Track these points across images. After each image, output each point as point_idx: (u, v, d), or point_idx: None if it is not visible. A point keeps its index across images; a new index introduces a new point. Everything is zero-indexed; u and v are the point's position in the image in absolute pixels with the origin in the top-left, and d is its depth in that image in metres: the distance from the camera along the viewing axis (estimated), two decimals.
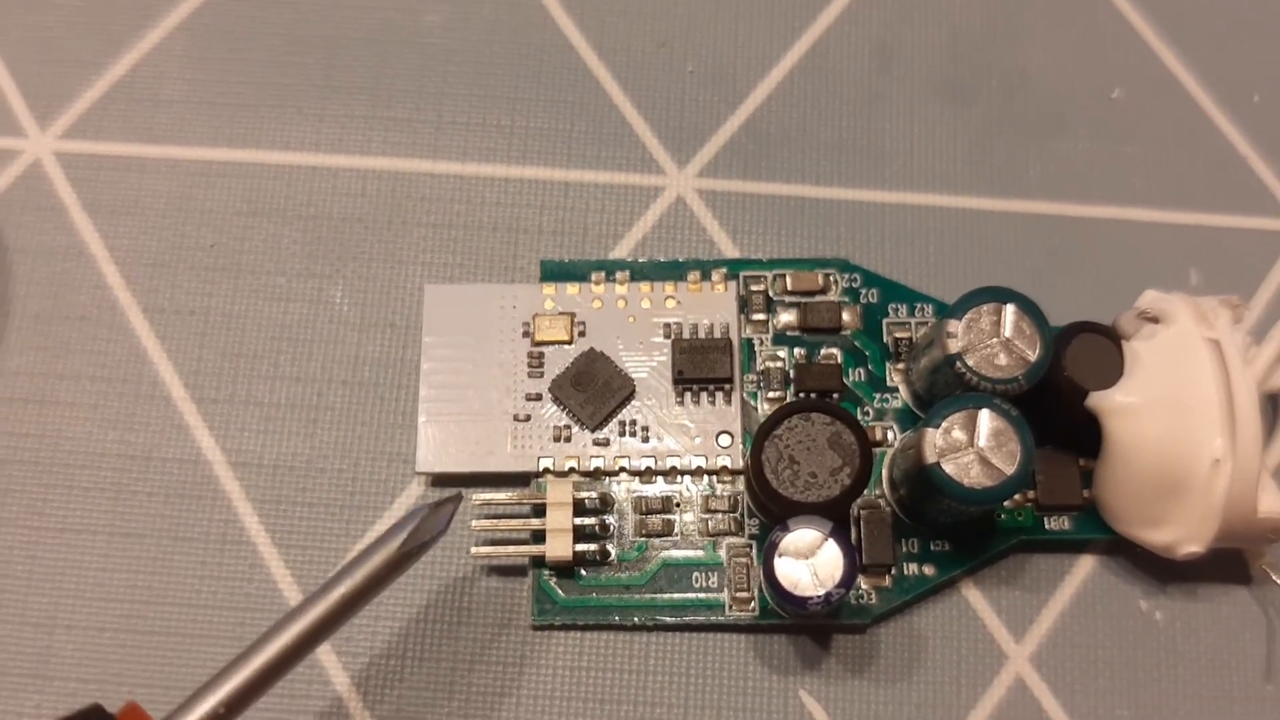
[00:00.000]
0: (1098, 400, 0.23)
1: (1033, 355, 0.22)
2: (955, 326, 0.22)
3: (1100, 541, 0.25)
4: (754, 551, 0.24)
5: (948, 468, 0.21)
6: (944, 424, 0.22)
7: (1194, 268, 0.27)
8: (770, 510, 0.22)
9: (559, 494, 0.24)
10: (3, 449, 0.25)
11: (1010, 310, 0.22)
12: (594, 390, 0.25)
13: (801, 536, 0.21)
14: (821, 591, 0.21)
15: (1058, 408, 0.23)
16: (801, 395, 0.25)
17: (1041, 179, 0.28)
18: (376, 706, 0.24)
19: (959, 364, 0.22)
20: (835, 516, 0.22)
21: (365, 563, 0.20)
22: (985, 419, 0.22)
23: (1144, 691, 0.24)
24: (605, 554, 0.24)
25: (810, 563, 0.21)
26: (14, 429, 0.25)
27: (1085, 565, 0.25)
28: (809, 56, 0.29)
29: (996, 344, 0.22)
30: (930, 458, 0.21)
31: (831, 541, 0.21)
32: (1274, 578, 0.24)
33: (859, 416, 0.25)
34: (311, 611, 0.20)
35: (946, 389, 0.23)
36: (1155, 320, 0.24)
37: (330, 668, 0.24)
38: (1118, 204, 0.28)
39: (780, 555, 0.21)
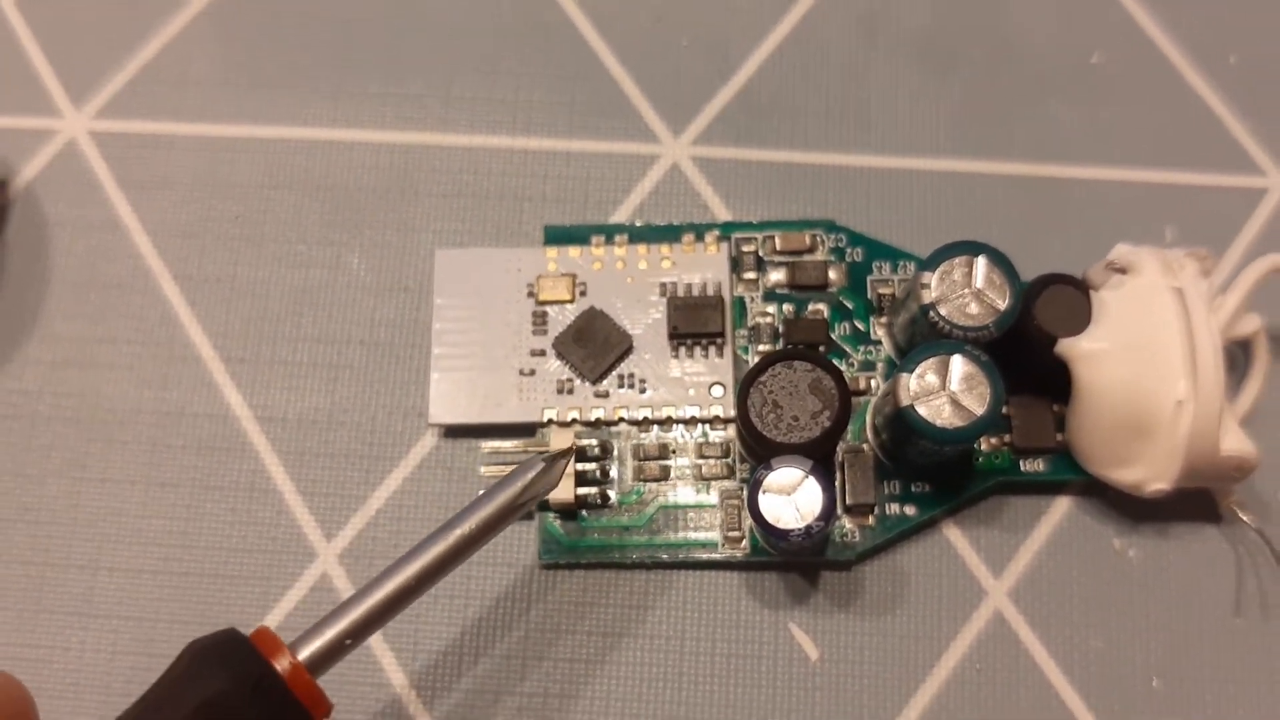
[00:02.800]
0: (1066, 347, 0.24)
1: (1002, 304, 0.24)
2: (929, 278, 0.24)
3: (1075, 484, 0.26)
4: (745, 494, 0.25)
5: (921, 410, 0.23)
6: (918, 369, 0.23)
7: (1170, 225, 0.28)
8: (756, 452, 0.24)
9: (562, 442, 0.26)
10: (47, 407, 0.27)
11: (981, 262, 0.24)
12: (594, 346, 0.26)
13: (784, 475, 0.23)
14: (802, 524, 0.22)
15: (1029, 355, 0.25)
16: (790, 348, 0.26)
17: (1022, 142, 0.29)
18: (394, 640, 0.25)
19: (933, 314, 0.24)
20: (816, 456, 0.23)
21: (480, 509, 0.21)
22: (957, 364, 0.23)
23: (1117, 625, 0.25)
24: (606, 498, 0.26)
25: (792, 499, 0.23)
26: (57, 389, 0.27)
27: (1061, 506, 0.26)
28: (798, 29, 0.30)
29: (968, 294, 0.24)
30: (905, 400, 0.23)
31: (811, 479, 0.23)
32: (1241, 516, 0.25)
33: (844, 368, 0.26)
34: (428, 553, 0.20)
35: (923, 338, 0.24)
36: (1123, 271, 0.25)
37: None
38: (1096, 164, 0.29)
39: (764, 492, 0.23)
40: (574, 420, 0.26)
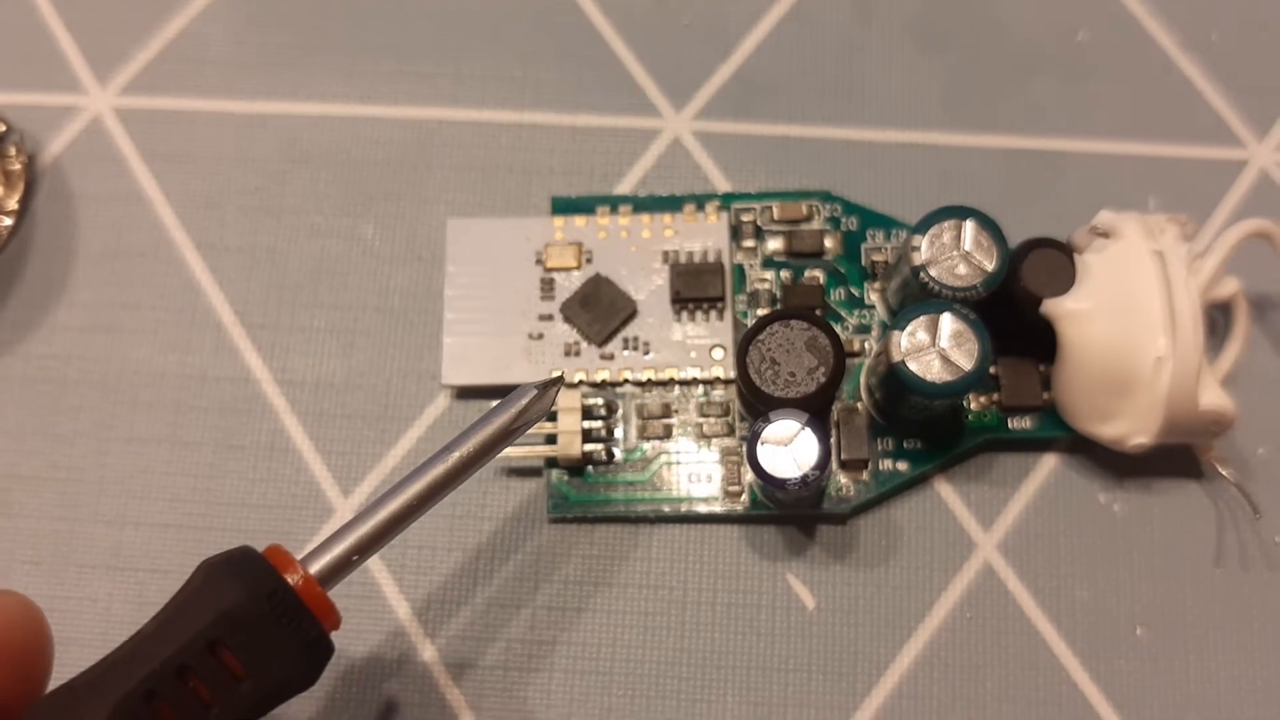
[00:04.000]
0: (1051, 306, 0.25)
1: (990, 266, 0.25)
2: (919, 241, 0.25)
3: (1061, 441, 0.27)
4: (744, 451, 0.26)
5: (912, 365, 0.24)
6: (909, 327, 0.24)
7: (1153, 195, 0.29)
8: (755, 407, 0.25)
9: (569, 402, 0.27)
10: (75, 371, 0.28)
11: (969, 225, 0.25)
12: (600, 310, 0.27)
13: (781, 427, 0.24)
14: (798, 474, 0.23)
15: (1016, 316, 0.26)
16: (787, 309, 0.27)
17: (1011, 116, 0.30)
18: (411, 592, 0.26)
19: (923, 274, 0.25)
20: (812, 410, 0.24)
21: (477, 433, 0.22)
22: (946, 321, 0.24)
23: (1102, 576, 0.26)
24: (611, 455, 0.27)
25: (789, 449, 0.24)
26: (84, 353, 0.28)
27: (1048, 462, 0.27)
28: (795, 8, 0.31)
29: (957, 256, 0.25)
30: (896, 357, 0.24)
31: (808, 430, 0.24)
32: (1221, 471, 0.26)
33: (840, 331, 0.27)
34: (428, 474, 0.21)
35: (914, 300, 0.25)
36: (1106, 236, 0.26)
37: (371, 561, 0.27)
38: (1082, 137, 0.30)
39: (762, 444, 0.24)
40: (580, 381, 0.27)
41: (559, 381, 0.24)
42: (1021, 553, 0.27)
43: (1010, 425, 0.27)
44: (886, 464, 0.26)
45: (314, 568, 0.20)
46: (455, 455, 0.22)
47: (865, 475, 0.26)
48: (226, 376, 0.28)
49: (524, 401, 0.22)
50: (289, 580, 0.20)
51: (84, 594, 0.27)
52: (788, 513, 0.26)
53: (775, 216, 0.28)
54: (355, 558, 0.21)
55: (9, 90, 0.30)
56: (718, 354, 0.27)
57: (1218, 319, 0.28)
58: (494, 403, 0.26)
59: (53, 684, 0.20)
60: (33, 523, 0.27)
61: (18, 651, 0.19)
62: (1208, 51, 0.30)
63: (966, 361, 0.24)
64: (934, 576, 0.26)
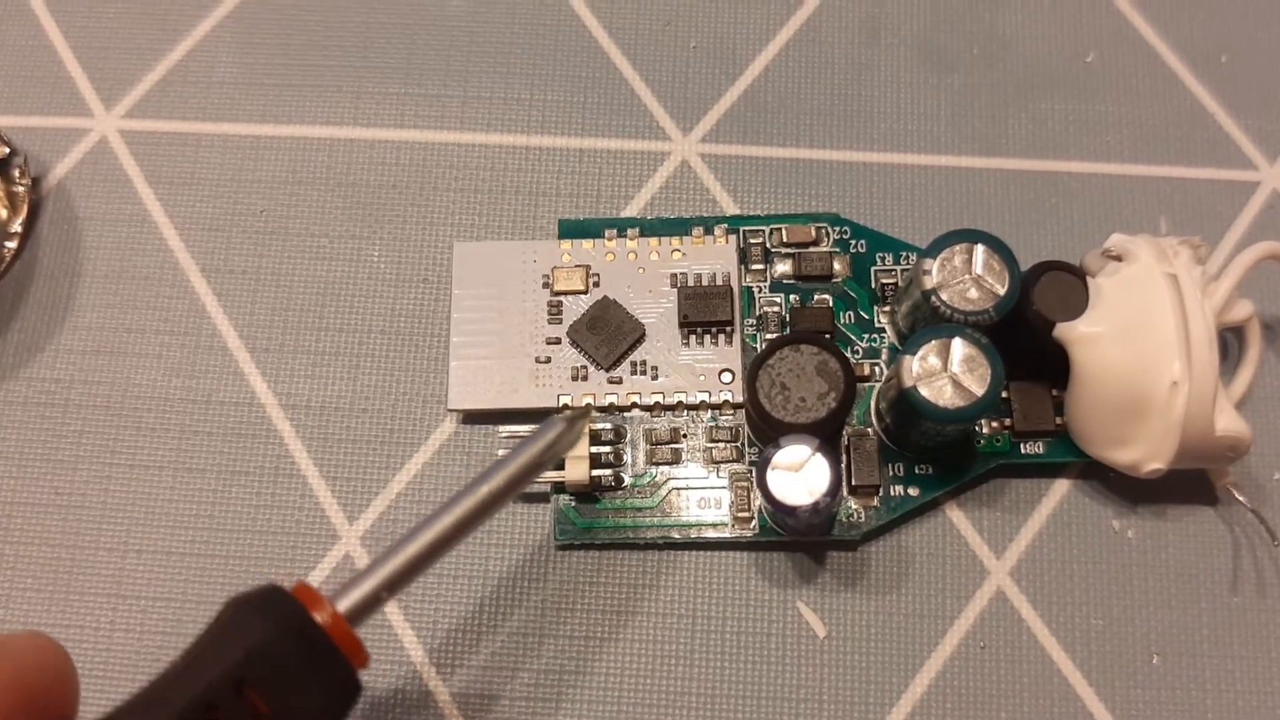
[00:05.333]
0: (1064, 331, 0.25)
1: (1001, 290, 0.24)
2: (930, 265, 0.25)
3: (1074, 466, 0.27)
4: (753, 477, 0.26)
5: (924, 390, 0.24)
6: (921, 351, 0.24)
7: (1164, 216, 0.29)
8: (765, 432, 0.25)
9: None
10: (79, 394, 0.28)
11: (980, 249, 0.25)
12: (608, 334, 0.27)
13: (792, 453, 0.24)
14: (809, 500, 0.23)
15: (1028, 340, 0.25)
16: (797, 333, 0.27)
17: (1019, 138, 0.30)
18: (416, 619, 0.26)
19: (934, 298, 0.24)
20: (823, 436, 0.24)
21: (506, 466, 0.22)
22: (958, 346, 0.24)
23: (1116, 603, 0.26)
24: (619, 480, 0.26)
25: (800, 475, 0.23)
26: (88, 377, 0.28)
27: (1061, 488, 0.27)
28: (802, 31, 0.31)
29: (968, 280, 0.25)
30: (908, 382, 0.24)
31: (819, 456, 0.23)
32: (1237, 497, 0.26)
33: (850, 355, 0.27)
34: (457, 509, 0.21)
35: (925, 323, 0.25)
36: (1119, 259, 0.26)
37: None
38: (1092, 159, 0.30)
39: (773, 469, 0.23)
40: (588, 406, 0.27)
41: (587, 412, 0.23)
42: (1034, 579, 0.26)
43: (1023, 450, 0.26)
44: (898, 489, 0.26)
45: (342, 605, 0.20)
46: (485, 489, 0.21)
47: (876, 501, 0.26)
48: (231, 400, 0.28)
49: (553, 434, 0.22)
50: (317, 618, 0.19)
51: (86, 622, 0.26)
52: (798, 539, 0.26)
53: (784, 239, 0.28)
54: (384, 594, 0.20)
55: (15, 113, 0.30)
56: (726, 378, 0.27)
57: (1229, 342, 0.28)
58: (502, 429, 0.26)
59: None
60: (34, 549, 0.27)
61: (43, 693, 0.19)
62: (1218, 73, 0.30)
63: (978, 386, 0.24)
64: (946, 604, 0.26)
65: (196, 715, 0.18)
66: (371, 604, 0.20)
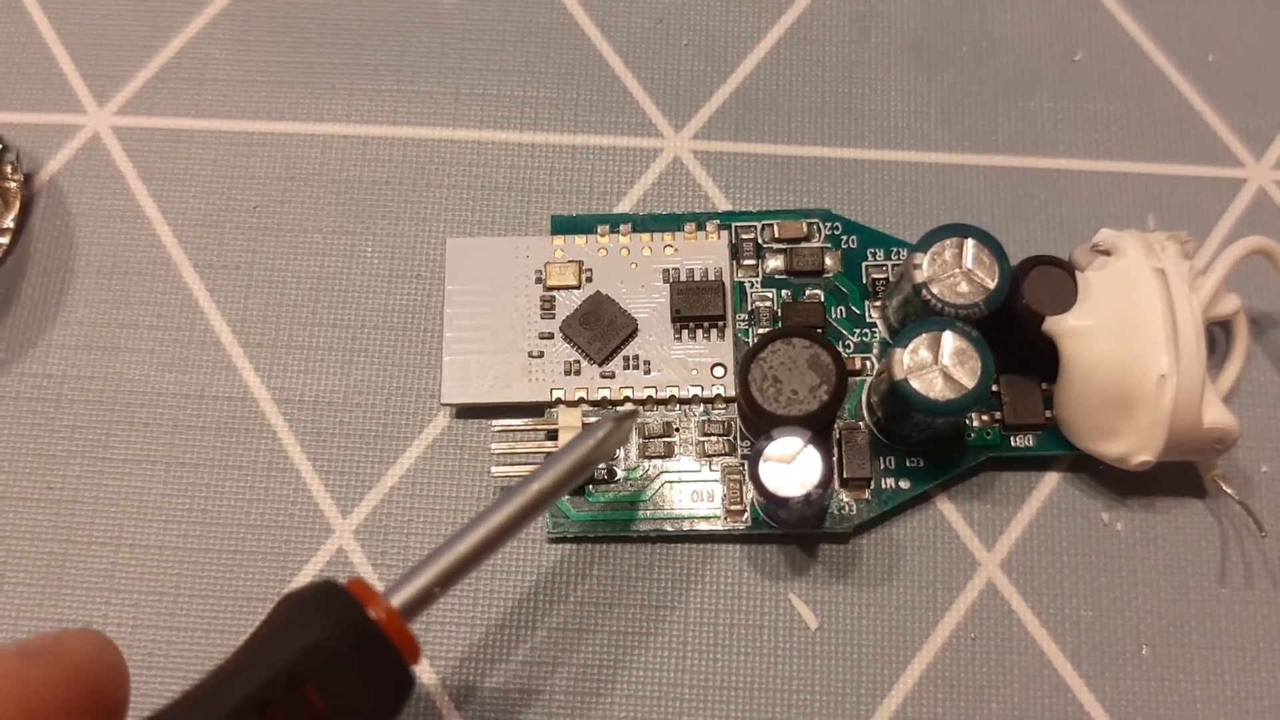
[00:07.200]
0: (1053, 324, 0.25)
1: (991, 283, 0.25)
2: (921, 259, 0.25)
3: (1064, 459, 0.27)
4: (746, 470, 0.26)
5: (914, 383, 0.24)
6: (911, 344, 0.24)
7: (1151, 212, 0.29)
8: (757, 425, 0.25)
9: (569, 421, 0.26)
10: (71, 389, 0.28)
11: (970, 243, 0.25)
12: (600, 329, 0.27)
13: (784, 445, 0.24)
14: (801, 492, 0.23)
15: (1018, 334, 0.26)
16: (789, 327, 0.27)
17: (1008, 135, 0.30)
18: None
19: (925, 292, 0.25)
20: (814, 428, 0.24)
21: (556, 465, 0.22)
22: (948, 339, 0.24)
23: (1106, 595, 0.26)
24: (612, 474, 0.27)
25: (792, 468, 0.24)
26: (81, 372, 0.28)
27: (1050, 481, 0.27)
28: (794, 29, 0.31)
29: (958, 274, 0.25)
30: (899, 374, 0.24)
31: (810, 448, 0.24)
32: (1224, 489, 0.26)
33: (841, 349, 0.27)
34: (508, 506, 0.21)
35: (916, 318, 0.25)
36: (1107, 253, 0.26)
37: (373, 581, 0.27)
38: (1080, 156, 0.30)
39: (765, 461, 0.24)
40: (581, 400, 0.27)
41: (635, 413, 0.24)
42: (1024, 571, 0.27)
43: (1012, 443, 0.27)
44: (889, 482, 0.26)
45: (396, 601, 0.20)
46: (535, 486, 0.22)
47: (867, 494, 0.26)
48: (224, 395, 0.28)
49: (602, 433, 0.23)
50: (371, 614, 0.19)
51: (78, 617, 0.26)
52: (790, 531, 0.26)
53: (775, 235, 0.28)
54: (436, 590, 0.21)
55: (7, 108, 0.30)
56: (718, 372, 0.27)
57: (1216, 336, 0.28)
58: (495, 423, 0.26)
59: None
60: (27, 543, 0.27)
61: (100, 689, 0.19)
62: (1205, 71, 0.31)
63: (969, 379, 0.24)
64: (937, 595, 0.26)
65: (251, 711, 0.18)
66: (424, 600, 0.20)
